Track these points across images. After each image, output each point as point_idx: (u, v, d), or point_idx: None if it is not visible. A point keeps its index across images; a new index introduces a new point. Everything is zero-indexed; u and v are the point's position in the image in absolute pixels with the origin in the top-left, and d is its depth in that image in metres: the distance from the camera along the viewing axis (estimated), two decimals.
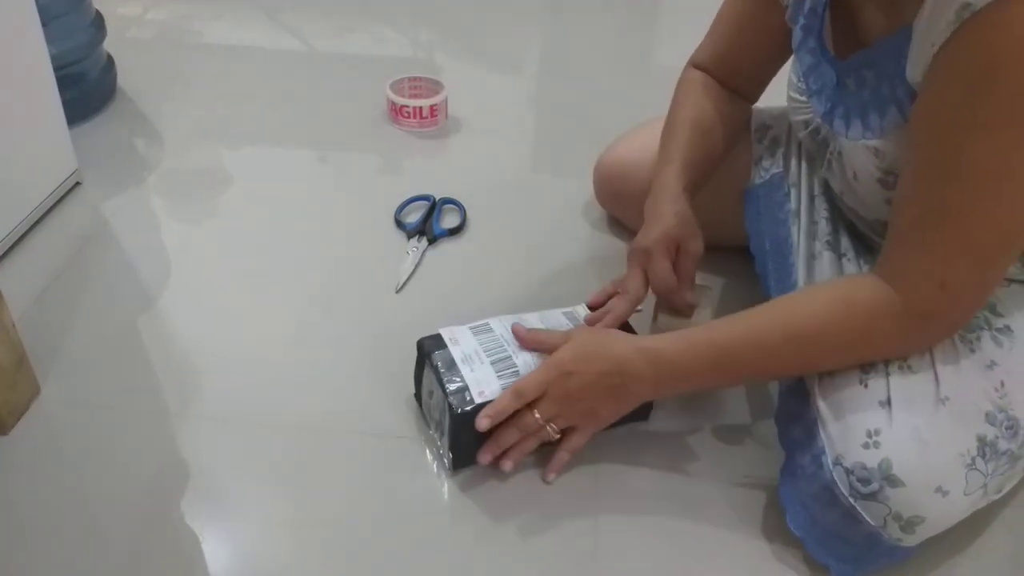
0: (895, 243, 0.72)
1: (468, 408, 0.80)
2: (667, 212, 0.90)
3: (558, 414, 0.80)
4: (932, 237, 0.68)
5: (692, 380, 0.78)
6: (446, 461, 0.85)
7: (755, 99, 1.03)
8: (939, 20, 0.63)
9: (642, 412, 0.91)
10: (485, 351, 0.85)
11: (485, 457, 0.82)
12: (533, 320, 0.90)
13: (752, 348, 0.75)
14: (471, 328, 0.88)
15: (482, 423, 0.79)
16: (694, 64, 1.02)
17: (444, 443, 0.84)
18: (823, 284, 0.79)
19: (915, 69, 0.69)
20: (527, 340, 0.85)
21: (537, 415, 0.80)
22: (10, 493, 0.82)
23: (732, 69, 0.99)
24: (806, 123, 0.90)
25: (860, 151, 0.81)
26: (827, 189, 0.96)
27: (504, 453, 0.82)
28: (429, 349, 0.86)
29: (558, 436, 0.82)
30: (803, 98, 0.88)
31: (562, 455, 0.84)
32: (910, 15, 0.68)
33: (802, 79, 0.88)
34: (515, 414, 0.80)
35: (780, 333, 0.74)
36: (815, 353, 0.75)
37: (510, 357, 0.84)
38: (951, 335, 0.74)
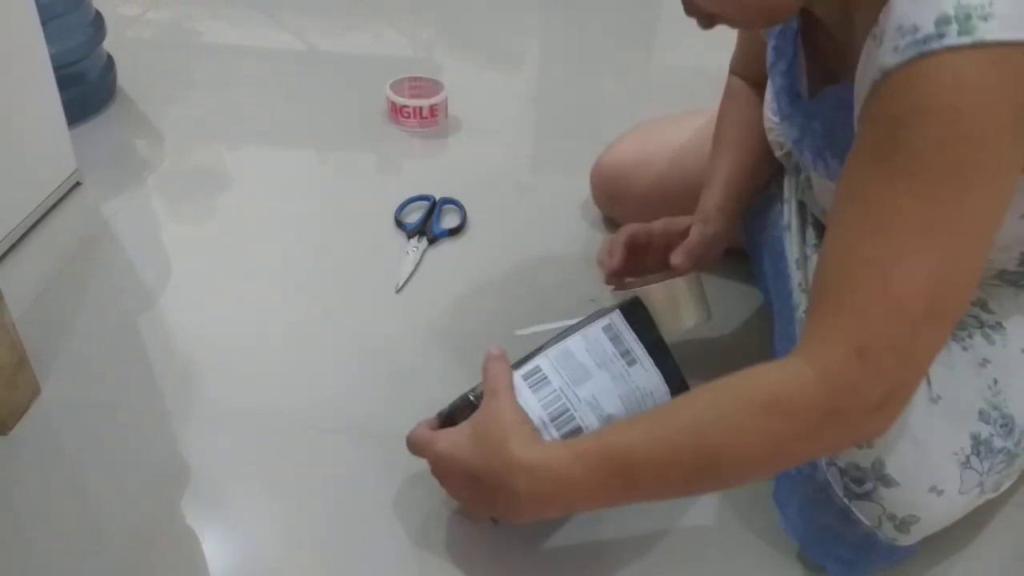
0: (812, 309, 0.64)
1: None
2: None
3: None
4: (849, 297, 0.60)
5: (584, 499, 0.67)
6: None
7: None
8: (866, 77, 0.62)
9: None
10: (551, 418, 0.76)
11: None
12: (577, 345, 0.80)
13: (654, 456, 0.64)
14: (524, 376, 0.78)
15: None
16: (730, 70, 1.03)
17: None
18: (728, 377, 0.66)
19: (856, 112, 0.66)
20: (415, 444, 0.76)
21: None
22: (10, 493, 0.82)
23: (756, 72, 0.97)
24: (780, 145, 0.89)
25: (828, 191, 0.80)
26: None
27: None
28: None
29: None
30: (776, 119, 0.87)
31: None
32: (853, 66, 0.66)
33: (774, 99, 0.86)
34: None
35: (683, 434, 0.63)
36: (720, 449, 0.63)
37: (574, 419, 0.76)
38: (881, 424, 0.63)
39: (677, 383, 0.82)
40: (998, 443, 0.71)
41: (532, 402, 0.76)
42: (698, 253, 0.90)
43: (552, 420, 0.75)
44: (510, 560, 0.78)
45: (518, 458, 0.67)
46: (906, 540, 0.71)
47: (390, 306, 1.07)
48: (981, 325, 0.76)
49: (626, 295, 0.86)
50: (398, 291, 1.10)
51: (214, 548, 0.79)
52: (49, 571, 0.76)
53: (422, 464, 0.76)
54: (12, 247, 1.12)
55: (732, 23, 0.74)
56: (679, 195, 1.01)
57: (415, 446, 0.76)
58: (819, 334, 0.61)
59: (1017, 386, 0.73)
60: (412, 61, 1.72)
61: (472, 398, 0.77)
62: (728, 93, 1.02)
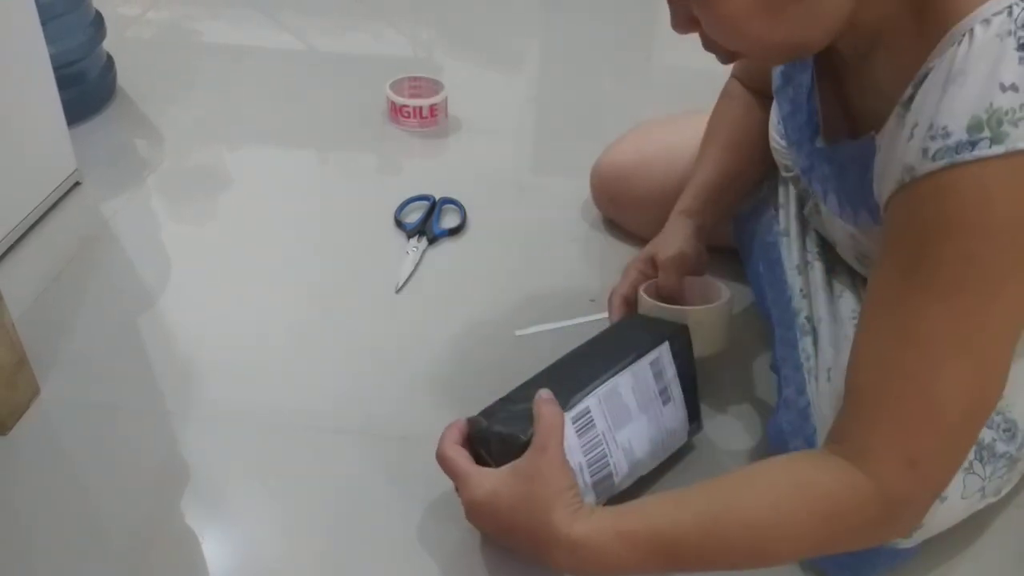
0: (854, 414, 0.64)
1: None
2: (666, 231, 0.95)
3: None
4: (896, 409, 0.61)
5: (623, 571, 0.67)
6: None
7: None
8: (892, 160, 0.62)
9: None
10: (588, 464, 0.77)
11: None
12: (625, 385, 0.79)
13: (700, 539, 0.64)
14: (573, 420, 0.76)
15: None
16: (732, 75, 1.02)
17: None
18: (776, 464, 0.68)
19: (878, 187, 0.66)
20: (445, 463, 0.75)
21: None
22: (10, 493, 0.82)
23: (759, 80, 0.96)
24: (787, 168, 0.87)
25: (838, 225, 0.79)
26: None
27: None
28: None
29: None
30: (783, 142, 0.85)
31: None
32: (877, 124, 0.66)
33: (781, 122, 0.84)
34: None
35: (738, 532, 0.64)
36: (774, 547, 0.65)
37: (608, 465, 0.78)
38: (919, 518, 0.67)
39: (695, 422, 0.86)
40: (1000, 448, 0.71)
41: (575, 447, 0.75)
42: (673, 268, 0.91)
43: (589, 466, 0.76)
44: (513, 563, 0.78)
45: (564, 533, 0.66)
46: (908, 543, 0.71)
47: (390, 306, 1.07)
48: None
49: (666, 311, 0.87)
50: (398, 291, 1.10)
51: (214, 548, 0.79)
52: (49, 571, 0.76)
53: (422, 464, 0.76)
54: (12, 247, 1.12)
55: (753, 60, 0.72)
56: (678, 197, 1.01)
57: (447, 470, 0.75)
58: (870, 444, 0.62)
59: (1020, 391, 0.73)
60: (412, 61, 1.72)
61: (522, 438, 0.73)
62: (724, 95, 1.02)
